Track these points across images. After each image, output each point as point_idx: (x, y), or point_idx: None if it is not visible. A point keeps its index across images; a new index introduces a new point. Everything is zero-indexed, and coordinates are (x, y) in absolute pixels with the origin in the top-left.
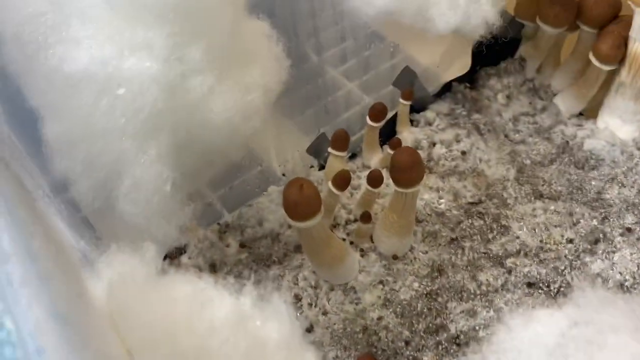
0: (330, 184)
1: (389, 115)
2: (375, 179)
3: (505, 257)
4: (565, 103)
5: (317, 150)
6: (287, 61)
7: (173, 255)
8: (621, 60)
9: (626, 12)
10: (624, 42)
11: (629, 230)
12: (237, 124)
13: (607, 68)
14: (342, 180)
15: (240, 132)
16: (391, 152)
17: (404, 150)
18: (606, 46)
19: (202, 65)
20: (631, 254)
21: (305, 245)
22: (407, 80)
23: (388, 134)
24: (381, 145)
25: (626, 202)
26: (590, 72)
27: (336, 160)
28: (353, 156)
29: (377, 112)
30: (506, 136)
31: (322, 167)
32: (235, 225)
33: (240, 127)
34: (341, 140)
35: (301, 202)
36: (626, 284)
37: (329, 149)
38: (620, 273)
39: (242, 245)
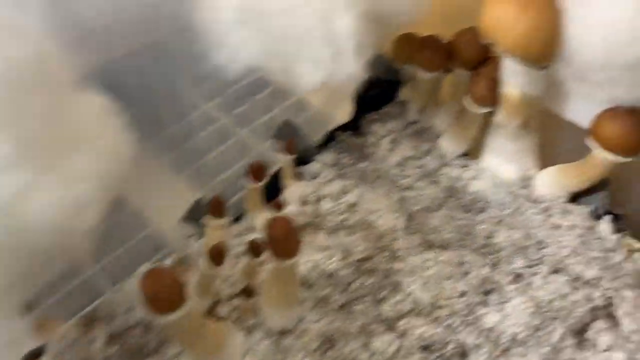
0: (204, 259)
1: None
2: (256, 249)
3: (397, 319)
4: (449, 144)
5: (194, 218)
6: (133, 134)
7: None
8: (496, 102)
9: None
10: (496, 84)
11: (518, 276)
12: (65, 221)
13: (482, 111)
14: (218, 255)
15: (69, 230)
16: (276, 213)
17: (276, 222)
18: (479, 89)
19: (15, 160)
20: (523, 302)
21: (177, 338)
22: (288, 133)
23: (275, 189)
24: (269, 202)
25: (514, 246)
26: (467, 114)
27: (215, 229)
28: (238, 218)
29: (256, 171)
30: (394, 182)
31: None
32: (102, 314)
33: (68, 225)
34: (217, 207)
35: (161, 293)
36: (519, 336)
37: (206, 218)
38: (514, 324)
39: (111, 337)
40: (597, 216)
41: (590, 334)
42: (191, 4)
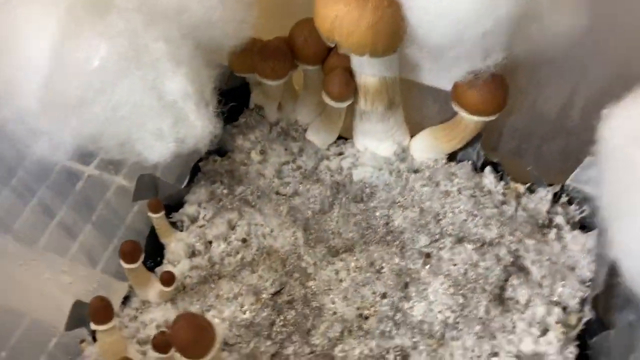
0: None
1: None
2: (162, 345)
3: (332, 348)
4: (319, 137)
5: (78, 322)
6: None
7: None
8: (354, 93)
9: None
10: (351, 75)
11: (427, 256)
12: None
13: (344, 105)
14: None
15: None
16: (165, 289)
17: (181, 325)
18: (335, 87)
19: None
20: (441, 284)
21: None
22: (147, 187)
23: (154, 246)
24: (152, 270)
25: (414, 225)
26: (330, 111)
27: (105, 335)
28: (126, 299)
29: (128, 254)
30: (277, 193)
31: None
32: None
33: None
34: (100, 312)
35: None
36: (449, 321)
37: (92, 326)
38: (440, 311)
39: None
40: (476, 168)
41: (508, 292)
42: None
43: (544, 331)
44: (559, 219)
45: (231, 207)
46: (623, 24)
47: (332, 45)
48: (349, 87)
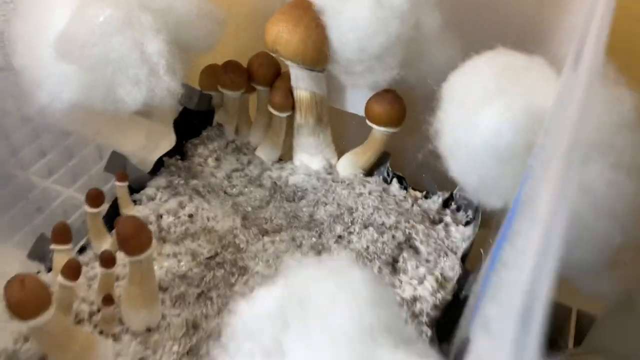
0: (60, 277)
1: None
2: (107, 259)
3: (250, 292)
4: (265, 153)
5: (39, 254)
6: None
7: None
8: (292, 107)
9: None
10: (290, 91)
11: (340, 237)
12: None
13: (284, 115)
14: (71, 270)
15: None
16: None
17: (125, 219)
18: (278, 98)
19: None
20: (346, 254)
21: (47, 347)
22: (118, 164)
23: (114, 216)
24: (110, 231)
25: (332, 216)
26: (274, 123)
27: (62, 256)
28: (82, 250)
29: (93, 197)
30: (225, 192)
31: (51, 269)
32: None
33: None
34: (62, 233)
35: (25, 299)
36: None
37: (52, 246)
38: None
39: None
40: (387, 181)
41: (400, 263)
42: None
43: (421, 281)
44: (448, 219)
45: (184, 194)
46: None
47: (274, 55)
48: (288, 99)
